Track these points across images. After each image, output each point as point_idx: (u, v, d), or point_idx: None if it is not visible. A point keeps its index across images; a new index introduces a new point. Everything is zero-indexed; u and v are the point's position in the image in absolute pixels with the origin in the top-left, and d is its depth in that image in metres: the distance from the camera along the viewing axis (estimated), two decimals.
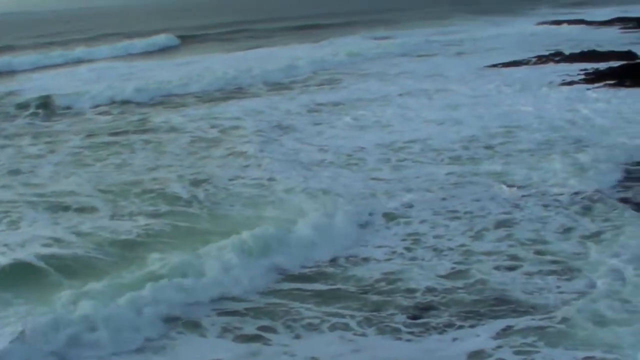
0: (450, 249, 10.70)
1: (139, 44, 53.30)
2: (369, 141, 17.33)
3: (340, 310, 8.96)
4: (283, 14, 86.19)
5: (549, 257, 10.13)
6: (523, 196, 12.64)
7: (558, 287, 9.22)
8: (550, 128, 17.39)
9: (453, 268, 10.02)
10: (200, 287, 9.40)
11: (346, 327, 8.57)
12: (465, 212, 12.11)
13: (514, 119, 18.51)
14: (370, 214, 12.16)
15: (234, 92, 27.23)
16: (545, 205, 12.18)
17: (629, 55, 29.57)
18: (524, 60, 30.82)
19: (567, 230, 11.09)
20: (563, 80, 24.55)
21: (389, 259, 10.47)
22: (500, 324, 8.41)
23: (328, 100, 23.56)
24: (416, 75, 28.30)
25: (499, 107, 20.40)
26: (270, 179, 14.30)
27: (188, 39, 58.17)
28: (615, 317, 8.24)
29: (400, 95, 23.78)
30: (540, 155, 15.09)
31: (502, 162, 14.84)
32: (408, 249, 10.80)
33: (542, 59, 30.49)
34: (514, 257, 10.21)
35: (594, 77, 24.48)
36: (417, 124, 18.87)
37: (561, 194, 12.58)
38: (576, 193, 12.57)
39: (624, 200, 12.16)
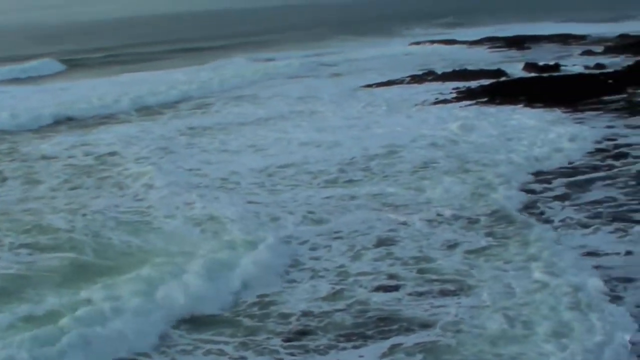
0: (328, 270, 10.52)
1: (18, 68, 50.64)
2: (243, 165, 17.01)
3: (213, 337, 8.68)
4: (168, 37, 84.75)
5: (434, 275, 10.07)
6: (407, 214, 12.47)
7: (444, 304, 9.16)
8: (429, 147, 17.53)
9: (332, 289, 9.80)
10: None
11: (221, 352, 8.35)
12: (347, 233, 11.97)
13: (391, 139, 18.54)
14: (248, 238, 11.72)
15: (108, 117, 26.22)
16: (430, 221, 12.23)
17: (498, 73, 30.33)
18: (398, 80, 31.16)
19: (452, 246, 11.09)
20: (436, 99, 24.90)
21: (264, 282, 10.10)
22: (386, 343, 8.29)
23: (201, 124, 23.02)
24: (290, 98, 28.07)
25: (376, 128, 20.47)
26: (150, 206, 13.89)
27: (73, 63, 55.91)
28: (503, 331, 8.24)
29: (274, 118, 23.47)
30: (420, 175, 15.08)
31: (383, 183, 14.77)
32: (286, 272, 10.55)
33: (416, 79, 30.93)
34: (396, 276, 10.13)
35: (466, 95, 24.94)
36: (292, 147, 18.60)
37: (445, 212, 12.60)
38: (460, 209, 12.64)
39: (507, 215, 12.23)
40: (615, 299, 8.93)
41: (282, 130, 21.00)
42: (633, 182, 13.71)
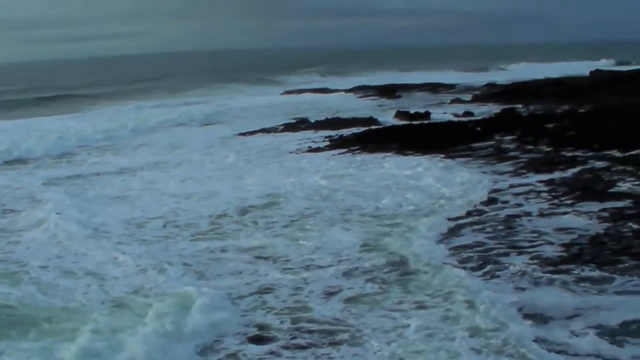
0: None
1: None
2: (111, 216, 16.10)
3: None
4: (45, 83, 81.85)
5: (312, 325, 9.70)
6: (284, 269, 12.00)
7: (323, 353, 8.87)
8: (305, 196, 17.03)
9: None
10: None
11: None
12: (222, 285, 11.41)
13: (265, 189, 17.99)
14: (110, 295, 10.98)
15: None
16: (307, 268, 11.99)
17: (370, 121, 30.52)
18: (272, 128, 30.90)
19: (330, 294, 10.76)
20: (309, 147, 24.70)
21: None
22: None
23: (65, 174, 21.92)
24: (161, 147, 27.29)
25: (248, 177, 19.87)
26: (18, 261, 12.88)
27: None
28: None
29: (142, 168, 22.58)
30: (298, 226, 14.65)
31: (259, 234, 14.17)
32: None
33: (289, 127, 30.74)
34: (265, 327, 9.71)
35: (339, 143, 24.84)
36: (162, 199, 17.72)
37: (323, 262, 12.27)
38: (339, 261, 12.29)
39: (389, 263, 12.03)
40: None
41: (150, 181, 20.17)
42: (501, 227, 13.74)
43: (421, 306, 10.14)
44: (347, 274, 11.59)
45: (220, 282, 11.52)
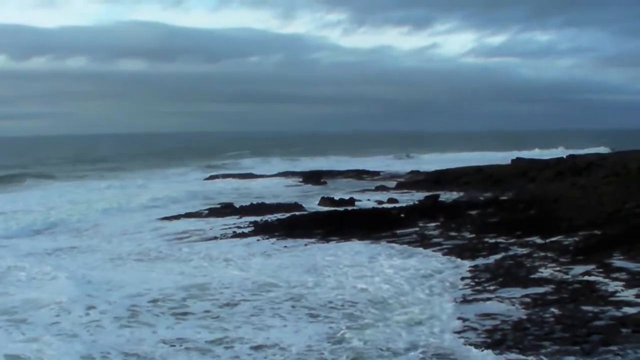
0: None
1: None
2: None
3: None
4: None
5: None
6: None
7: None
8: (238, 286, 16.35)
9: None
10: None
11: None
12: None
13: (192, 279, 17.37)
14: None
15: None
16: None
17: (295, 207, 30.50)
18: (196, 212, 30.57)
19: None
20: (234, 232, 24.36)
21: None
22: None
23: None
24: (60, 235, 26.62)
25: (170, 263, 19.39)
26: None
27: None
28: None
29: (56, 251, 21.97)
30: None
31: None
32: None
33: (214, 211, 30.39)
34: None
35: (264, 229, 24.61)
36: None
37: None
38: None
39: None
40: None
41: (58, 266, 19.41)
42: None
43: None
44: None
45: None
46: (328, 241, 22.05)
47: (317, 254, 19.89)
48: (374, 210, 29.09)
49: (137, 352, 11.77)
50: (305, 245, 21.60)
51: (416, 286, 15.91)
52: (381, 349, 11.75)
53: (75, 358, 11.43)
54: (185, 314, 14.15)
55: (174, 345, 12.12)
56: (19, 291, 16.04)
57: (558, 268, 16.66)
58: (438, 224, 24.50)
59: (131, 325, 13.38)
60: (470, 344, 11.87)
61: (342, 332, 12.69)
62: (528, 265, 17.24)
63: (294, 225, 25.09)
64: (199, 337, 12.52)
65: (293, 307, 14.55)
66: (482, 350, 11.49)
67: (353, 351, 11.67)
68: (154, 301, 14.99)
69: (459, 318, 13.40)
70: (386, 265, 18.05)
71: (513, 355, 11.20)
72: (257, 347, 11.98)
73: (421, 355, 11.50)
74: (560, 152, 47.65)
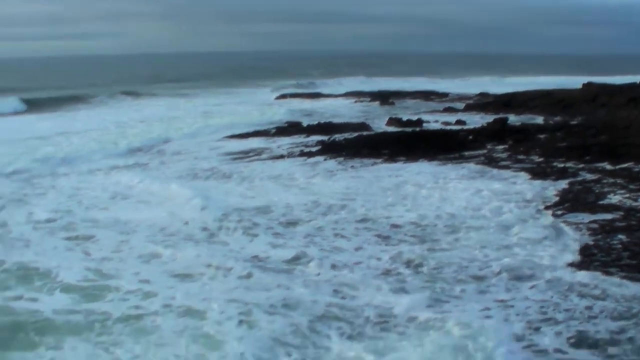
0: None
1: None
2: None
3: None
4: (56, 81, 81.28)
5: None
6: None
7: None
8: (304, 205, 16.60)
9: None
10: None
11: None
12: None
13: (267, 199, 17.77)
14: None
15: None
16: None
17: (363, 126, 30.55)
18: (265, 130, 30.85)
19: None
20: (301, 151, 24.60)
21: None
22: None
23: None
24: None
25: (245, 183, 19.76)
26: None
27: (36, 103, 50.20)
28: None
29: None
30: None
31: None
32: None
33: (281, 130, 30.66)
34: None
35: (331, 148, 24.75)
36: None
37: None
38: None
39: None
40: None
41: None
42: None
43: None
44: None
45: None
46: (395, 161, 22.14)
47: (384, 175, 20.01)
48: (441, 131, 28.94)
49: (218, 264, 12.21)
50: (372, 165, 21.75)
51: (485, 206, 15.96)
52: (457, 271, 11.83)
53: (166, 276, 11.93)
54: (254, 233, 14.36)
55: (248, 262, 12.43)
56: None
57: (627, 195, 16.48)
58: (506, 147, 24.34)
59: (205, 241, 13.87)
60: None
61: (412, 253, 12.73)
62: (597, 191, 17.08)
63: (361, 145, 25.18)
64: (271, 256, 12.79)
65: (361, 228, 14.62)
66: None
67: (428, 275, 11.69)
68: (223, 219, 15.31)
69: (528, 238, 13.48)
70: (453, 186, 18.11)
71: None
72: (332, 266, 12.14)
73: (496, 276, 11.57)
74: (633, 79, 46.20)
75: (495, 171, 20.00)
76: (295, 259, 12.56)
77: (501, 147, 24.36)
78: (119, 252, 13.13)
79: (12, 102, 49.10)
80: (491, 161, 21.71)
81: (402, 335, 9.30)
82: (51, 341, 9.30)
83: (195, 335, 9.37)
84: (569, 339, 9.19)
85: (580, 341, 9.13)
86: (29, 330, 9.62)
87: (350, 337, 9.27)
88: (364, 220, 15.20)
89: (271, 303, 10.40)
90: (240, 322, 9.76)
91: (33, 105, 48.30)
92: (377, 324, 9.70)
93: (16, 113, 45.47)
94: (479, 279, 11.47)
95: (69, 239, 14.09)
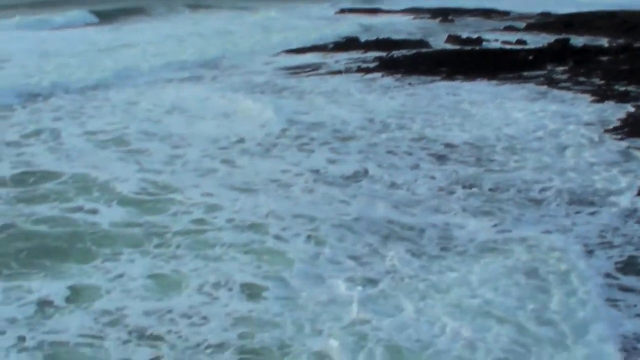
0: None
1: (50, 19, 45.39)
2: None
3: None
4: None
5: None
6: None
7: None
8: (359, 122, 16.66)
9: None
10: None
11: None
12: None
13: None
14: None
15: None
16: None
17: (422, 43, 30.23)
18: (321, 45, 30.72)
19: None
20: (359, 67, 24.53)
21: None
22: None
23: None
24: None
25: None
26: None
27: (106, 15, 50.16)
28: None
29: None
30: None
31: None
32: None
33: (339, 46, 30.49)
34: None
35: (388, 65, 24.63)
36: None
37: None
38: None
39: None
40: None
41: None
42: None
43: None
44: None
45: None
46: (453, 80, 21.96)
47: (442, 93, 19.89)
48: (501, 50, 28.48)
49: (278, 179, 12.42)
50: (430, 82, 21.61)
51: (544, 128, 15.85)
52: (515, 193, 11.83)
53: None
54: (310, 149, 14.46)
55: (308, 176, 12.57)
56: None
57: None
58: (567, 68, 23.90)
59: (262, 156, 14.01)
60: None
61: (469, 174, 12.74)
62: None
63: (419, 62, 24.98)
64: (329, 171, 12.90)
65: (416, 147, 14.61)
66: None
67: (486, 196, 11.69)
68: (279, 134, 15.47)
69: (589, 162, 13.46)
70: (512, 106, 17.96)
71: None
72: (390, 184, 12.23)
73: (556, 200, 11.54)
74: None
75: (555, 92, 19.77)
76: (354, 175, 12.66)
77: (561, 68, 23.93)
78: (175, 165, 13.28)
79: (82, 14, 49.36)
80: (551, 82, 21.39)
81: (463, 256, 9.35)
82: (108, 253, 9.36)
83: (259, 251, 9.43)
84: (616, 263, 9.21)
85: (631, 267, 9.14)
86: (87, 242, 9.71)
87: (413, 255, 9.36)
88: (419, 138, 15.17)
89: (336, 218, 10.51)
90: (308, 237, 9.86)
91: (103, 18, 48.49)
92: (437, 244, 9.78)
93: (86, 25, 45.71)
94: (537, 201, 11.46)
95: (124, 151, 14.25)
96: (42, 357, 7.03)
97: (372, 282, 8.57)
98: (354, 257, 9.25)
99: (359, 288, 8.34)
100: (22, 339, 7.30)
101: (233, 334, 7.48)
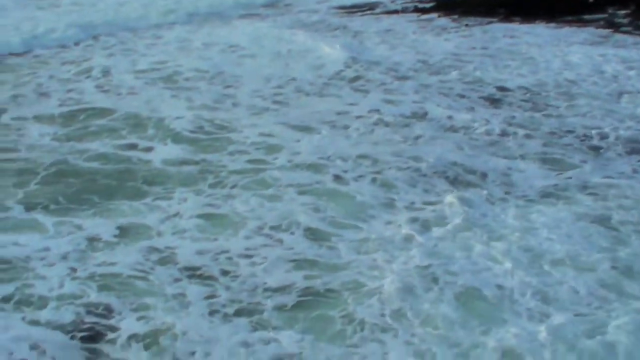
0: None
1: None
2: None
3: None
4: None
5: None
6: None
7: None
8: (412, 63, 16.38)
9: None
10: None
11: None
12: None
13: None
14: None
15: None
16: None
17: None
18: None
19: None
20: (415, 7, 24.17)
21: None
22: None
23: None
24: None
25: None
26: None
27: None
28: None
29: None
30: None
31: None
32: None
33: None
34: None
35: (446, 4, 24.16)
36: None
37: None
38: None
39: None
40: None
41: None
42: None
43: None
44: None
45: None
46: (511, 22, 21.51)
47: (498, 35, 19.47)
48: None
49: (335, 119, 12.35)
50: (487, 24, 21.18)
51: (605, 73, 15.47)
52: (574, 139, 11.65)
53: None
54: (366, 89, 14.34)
55: (366, 117, 12.51)
56: None
57: None
58: (629, 12, 23.23)
59: (319, 95, 13.95)
60: None
61: (525, 118, 12.56)
62: None
63: (476, 3, 24.43)
64: (387, 112, 12.79)
65: (470, 89, 14.41)
66: None
67: (543, 141, 11.52)
68: (334, 75, 15.33)
69: None
70: (571, 50, 17.55)
71: None
72: (448, 127, 12.13)
73: (617, 147, 11.34)
74: None
75: (616, 37, 19.26)
76: (413, 116, 12.58)
77: (623, 12, 23.25)
78: (229, 104, 13.25)
79: None
80: (612, 26, 20.83)
81: (529, 202, 9.25)
82: (160, 191, 9.30)
83: (321, 192, 9.36)
84: None
85: None
86: (138, 180, 9.68)
87: (480, 198, 9.27)
88: (474, 81, 14.95)
89: (400, 160, 10.43)
90: (373, 179, 9.81)
91: None
92: (501, 188, 9.69)
93: None
94: (597, 148, 11.27)
95: (176, 89, 14.22)
96: (95, 286, 7.09)
97: (439, 224, 8.52)
98: (419, 199, 9.21)
99: (426, 230, 8.31)
100: (73, 269, 7.38)
101: (296, 276, 7.42)
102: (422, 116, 12.61)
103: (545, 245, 8.00)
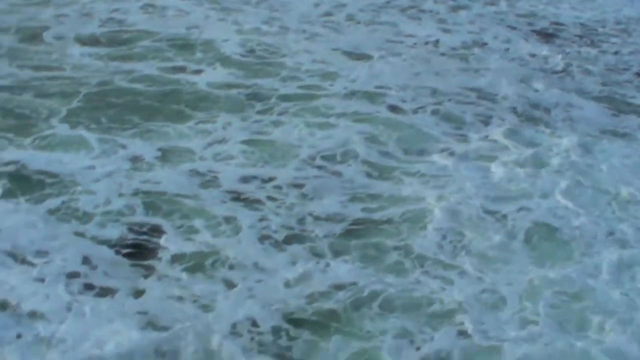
0: None
1: None
2: None
3: None
4: None
5: None
6: None
7: None
8: None
9: None
10: None
11: None
12: None
13: None
14: None
15: None
16: None
17: None
18: None
19: None
20: None
21: None
22: None
23: None
24: None
25: None
26: None
27: None
28: None
29: None
30: None
31: None
32: None
33: None
34: None
35: None
36: None
37: None
38: None
39: None
40: None
41: None
42: None
43: None
44: None
45: None
46: None
47: None
48: None
49: (389, 48, 11.94)
50: None
51: None
52: (636, 74, 11.31)
53: None
54: (418, 17, 13.97)
55: (422, 46, 12.13)
56: None
57: None
58: None
59: (375, 24, 13.47)
60: None
61: (581, 54, 12.21)
62: None
63: None
64: (441, 41, 12.41)
65: (523, 23, 14.03)
66: None
67: (601, 77, 11.18)
68: (384, 2, 14.84)
69: None
70: None
71: None
72: (509, 59, 11.79)
73: None
74: None
75: None
76: (470, 46, 12.24)
77: None
78: (277, 27, 12.75)
79: None
80: None
81: (594, 138, 8.97)
82: (203, 116, 8.92)
83: (377, 121, 9.00)
84: None
85: None
86: (182, 102, 9.31)
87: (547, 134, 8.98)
88: (527, 15, 14.52)
89: (461, 93, 10.08)
90: (434, 111, 9.42)
91: None
92: (563, 123, 9.37)
93: None
94: None
95: (220, 10, 13.60)
96: (140, 203, 6.87)
97: (502, 159, 8.20)
98: (482, 133, 8.90)
99: (488, 164, 8.01)
100: (119, 185, 7.16)
101: (350, 207, 7.09)
102: (482, 46, 12.24)
103: (612, 182, 7.71)
